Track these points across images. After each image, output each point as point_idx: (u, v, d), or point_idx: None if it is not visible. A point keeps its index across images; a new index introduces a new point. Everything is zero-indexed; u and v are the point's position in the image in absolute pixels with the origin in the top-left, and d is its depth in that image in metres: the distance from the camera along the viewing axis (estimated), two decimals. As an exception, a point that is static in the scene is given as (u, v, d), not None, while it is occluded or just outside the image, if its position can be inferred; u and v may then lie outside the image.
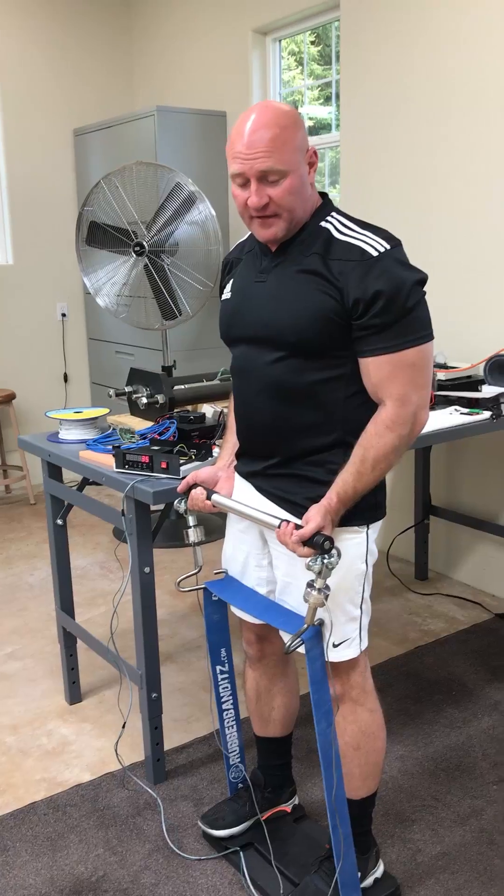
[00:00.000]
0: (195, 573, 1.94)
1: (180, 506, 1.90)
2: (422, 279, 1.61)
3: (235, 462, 1.90)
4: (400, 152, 3.62)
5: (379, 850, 1.97)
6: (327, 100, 4.35)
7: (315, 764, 2.42)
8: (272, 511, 1.75)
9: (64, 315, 5.27)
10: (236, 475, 1.89)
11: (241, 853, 2.04)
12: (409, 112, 3.55)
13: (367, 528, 1.73)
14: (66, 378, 5.33)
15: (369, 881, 1.91)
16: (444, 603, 3.49)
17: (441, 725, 2.61)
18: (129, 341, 4.88)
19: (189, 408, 2.80)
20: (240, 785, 2.18)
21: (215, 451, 2.32)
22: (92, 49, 5.16)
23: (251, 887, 1.95)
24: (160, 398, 2.68)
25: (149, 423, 2.66)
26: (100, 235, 4.05)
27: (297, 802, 2.19)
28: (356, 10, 3.70)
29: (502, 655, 3.02)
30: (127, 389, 2.82)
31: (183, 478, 2.09)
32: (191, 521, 1.92)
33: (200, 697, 2.82)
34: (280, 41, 4.37)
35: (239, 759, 2.16)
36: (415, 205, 3.61)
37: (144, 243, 3.89)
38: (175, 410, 2.70)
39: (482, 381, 3.03)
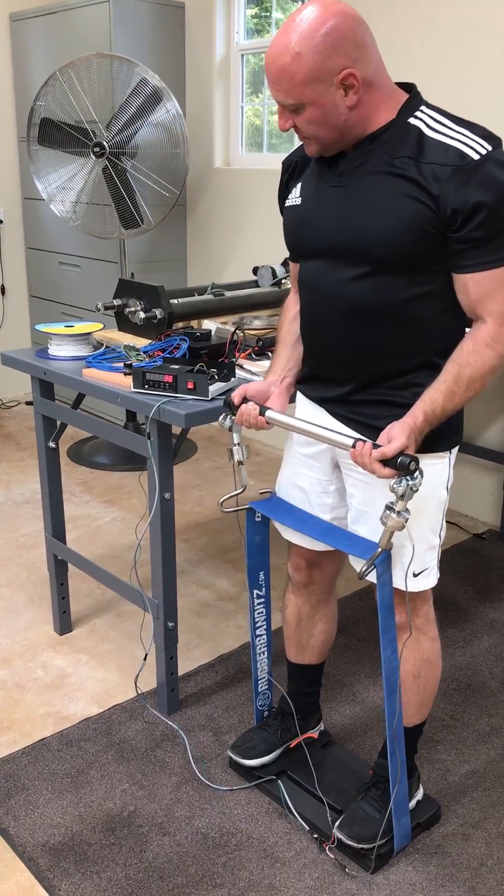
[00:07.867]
0: (238, 493, 1.82)
1: (225, 422, 1.76)
2: None
3: (287, 378, 1.77)
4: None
5: (419, 775, 1.97)
6: None
7: (332, 689, 2.39)
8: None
9: (0, 221, 4.90)
10: (304, 399, 1.76)
11: (279, 782, 2.00)
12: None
13: (449, 454, 1.65)
14: (2, 290, 4.99)
15: (412, 804, 1.90)
16: (420, 523, 3.50)
17: (444, 646, 2.59)
18: (75, 251, 4.59)
19: (181, 324, 2.63)
20: (265, 713, 2.13)
21: (237, 371, 2.19)
22: None
23: (296, 815, 1.92)
24: (158, 313, 2.50)
25: (143, 341, 2.49)
26: (54, 134, 3.73)
27: (322, 728, 2.16)
28: None
29: (488, 574, 3.06)
30: (116, 303, 2.62)
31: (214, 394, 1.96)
32: (235, 438, 1.80)
33: (194, 623, 2.74)
34: None
35: (267, 687, 2.10)
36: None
37: (105, 143, 3.61)
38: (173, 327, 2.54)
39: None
